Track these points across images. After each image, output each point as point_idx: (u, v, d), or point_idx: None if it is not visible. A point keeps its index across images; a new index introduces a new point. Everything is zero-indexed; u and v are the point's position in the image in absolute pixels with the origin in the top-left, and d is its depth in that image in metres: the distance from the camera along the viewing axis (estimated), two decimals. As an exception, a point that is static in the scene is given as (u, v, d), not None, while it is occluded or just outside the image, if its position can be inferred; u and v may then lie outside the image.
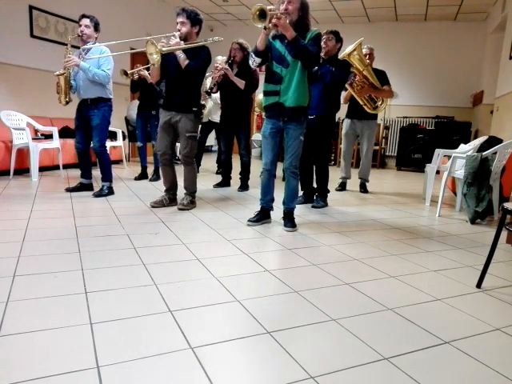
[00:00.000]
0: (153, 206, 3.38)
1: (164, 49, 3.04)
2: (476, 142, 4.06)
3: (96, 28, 3.66)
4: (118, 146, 6.01)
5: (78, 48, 3.71)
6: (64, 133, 5.49)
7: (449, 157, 3.87)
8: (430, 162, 4.53)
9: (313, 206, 3.72)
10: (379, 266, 2.20)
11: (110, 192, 3.84)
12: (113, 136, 6.02)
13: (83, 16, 3.61)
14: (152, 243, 2.41)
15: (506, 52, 5.65)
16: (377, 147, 8.04)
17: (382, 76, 4.39)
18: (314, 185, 3.90)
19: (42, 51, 5.54)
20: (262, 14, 2.42)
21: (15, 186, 4.11)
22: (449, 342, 1.42)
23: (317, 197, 3.80)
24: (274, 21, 2.47)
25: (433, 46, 7.98)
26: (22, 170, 4.82)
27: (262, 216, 3.03)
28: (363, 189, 4.78)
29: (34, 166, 4.54)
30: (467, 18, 7.60)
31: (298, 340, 1.39)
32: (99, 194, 3.74)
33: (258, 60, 2.72)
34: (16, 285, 1.73)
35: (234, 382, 1.15)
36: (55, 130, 4.95)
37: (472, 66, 7.76)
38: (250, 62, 2.77)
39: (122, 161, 6.20)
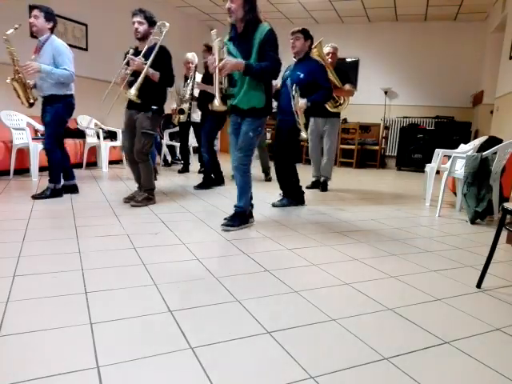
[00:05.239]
0: (125, 202, 3.48)
1: (139, 80, 3.13)
2: (476, 142, 4.06)
3: (48, 18, 3.31)
4: (117, 145, 6.01)
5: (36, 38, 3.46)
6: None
7: (449, 157, 3.87)
8: (429, 162, 4.53)
9: (272, 204, 3.65)
10: (379, 266, 2.20)
11: (53, 194, 3.53)
12: (113, 136, 6.02)
13: (31, 7, 3.27)
14: (152, 243, 2.41)
15: (506, 52, 5.65)
16: (377, 147, 8.06)
17: (343, 75, 4.50)
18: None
19: (42, 51, 5.52)
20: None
21: (15, 186, 4.11)
22: (449, 342, 1.42)
23: (282, 196, 3.75)
24: (219, 72, 2.56)
25: (433, 46, 7.98)
26: (22, 170, 4.81)
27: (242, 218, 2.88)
28: (323, 187, 4.67)
29: (34, 165, 4.53)
30: (467, 18, 7.60)
31: (298, 340, 1.39)
32: (39, 196, 3.47)
33: None
34: (16, 285, 1.73)
35: (234, 382, 1.15)
36: (55, 130, 4.93)
37: (472, 66, 7.75)
38: None
39: (121, 161, 6.19)
